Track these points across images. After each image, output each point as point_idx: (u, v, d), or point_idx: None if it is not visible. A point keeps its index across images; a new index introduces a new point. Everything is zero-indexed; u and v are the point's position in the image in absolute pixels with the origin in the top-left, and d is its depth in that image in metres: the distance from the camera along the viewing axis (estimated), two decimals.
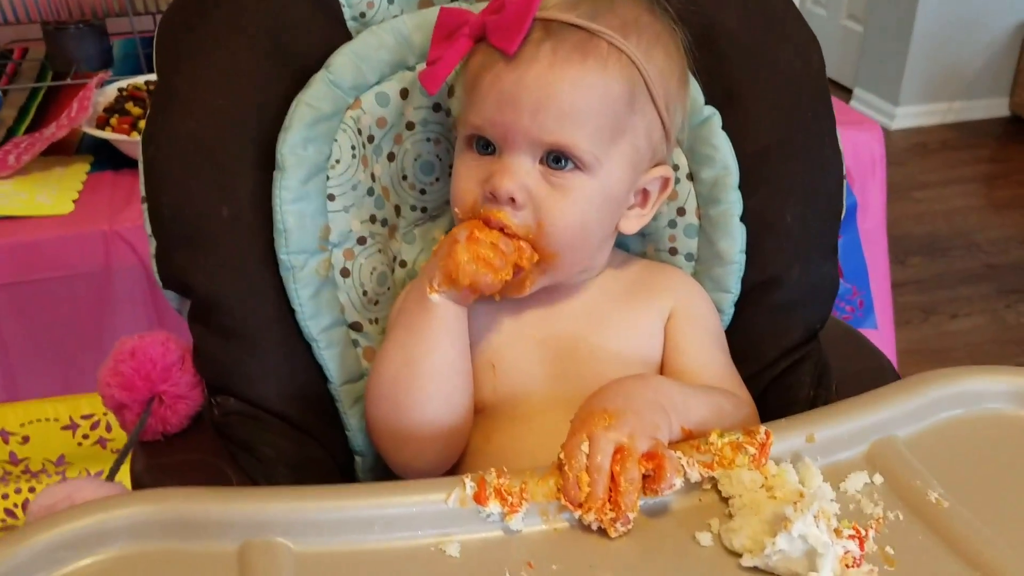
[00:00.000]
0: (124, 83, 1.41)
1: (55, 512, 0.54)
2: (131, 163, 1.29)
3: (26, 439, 1.20)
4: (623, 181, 0.65)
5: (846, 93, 3.80)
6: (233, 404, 0.68)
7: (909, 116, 3.55)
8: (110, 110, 1.33)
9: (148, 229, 0.68)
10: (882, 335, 1.47)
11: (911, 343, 2.31)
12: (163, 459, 0.66)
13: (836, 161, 0.76)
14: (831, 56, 4.53)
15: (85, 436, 1.22)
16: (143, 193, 0.68)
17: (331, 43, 0.71)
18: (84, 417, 1.21)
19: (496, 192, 0.62)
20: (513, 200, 0.62)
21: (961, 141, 3.43)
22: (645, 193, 0.69)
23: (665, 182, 0.69)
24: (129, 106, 1.33)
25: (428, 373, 0.64)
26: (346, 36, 0.72)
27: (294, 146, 0.68)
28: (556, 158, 0.63)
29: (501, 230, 0.63)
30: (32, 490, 1.23)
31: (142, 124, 1.26)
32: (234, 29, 0.69)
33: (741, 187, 0.74)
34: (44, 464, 1.23)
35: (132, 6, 1.48)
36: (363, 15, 0.72)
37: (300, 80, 0.71)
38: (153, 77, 1.41)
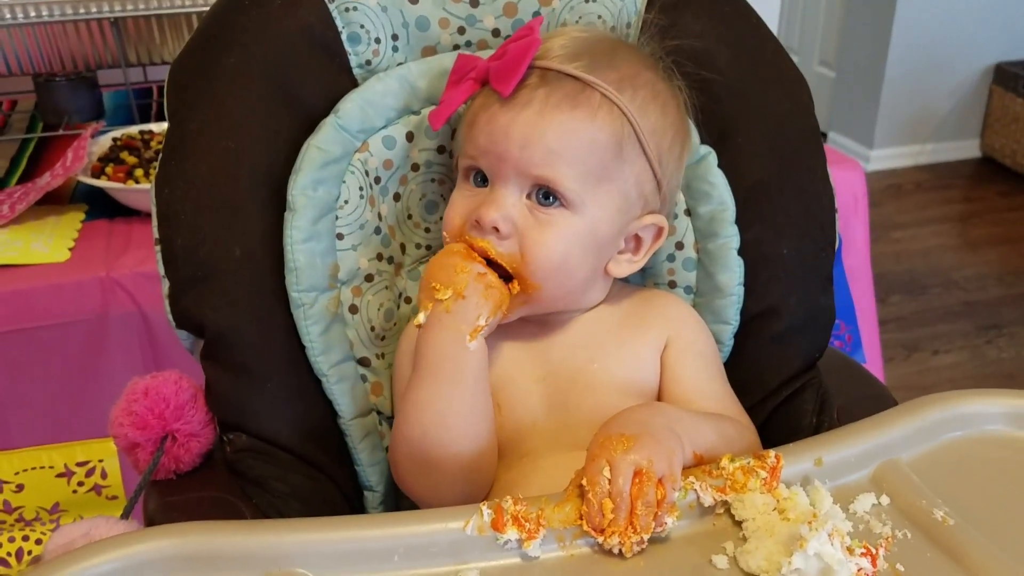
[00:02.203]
0: (118, 133, 1.43)
1: (73, 549, 0.54)
2: (126, 211, 1.31)
3: (20, 487, 1.19)
4: (609, 224, 0.68)
5: (820, 137, 3.89)
6: (245, 441, 0.69)
7: (883, 159, 3.63)
8: (105, 159, 1.35)
9: (161, 270, 0.69)
10: (871, 368, 1.49)
11: (895, 380, 2.34)
12: (176, 497, 0.66)
13: (827, 193, 0.79)
14: None
15: (80, 483, 1.21)
16: (156, 235, 0.69)
17: (338, 89, 0.74)
18: (79, 464, 1.20)
19: (481, 220, 0.65)
20: (497, 230, 0.65)
21: (935, 182, 3.51)
22: (638, 240, 0.71)
23: (659, 231, 0.72)
24: (124, 155, 1.35)
25: (462, 422, 0.64)
26: (352, 83, 0.75)
27: (304, 188, 0.70)
28: (545, 194, 0.65)
29: (485, 257, 0.65)
30: (26, 539, 1.22)
31: (138, 172, 1.30)
32: (245, 75, 0.71)
33: (737, 221, 0.76)
34: (38, 512, 1.21)
35: (124, 58, 1.50)
36: (369, 63, 0.75)
37: (309, 124, 0.73)
38: (147, 127, 1.44)
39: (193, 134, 0.70)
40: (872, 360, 1.49)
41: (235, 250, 0.68)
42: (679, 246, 0.78)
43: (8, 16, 1.39)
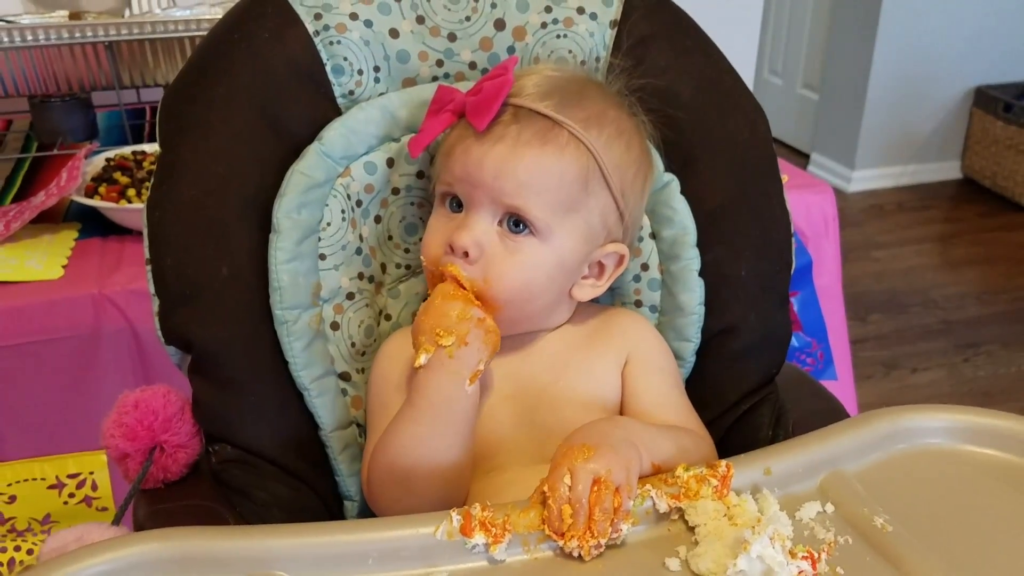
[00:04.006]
0: (111, 153, 1.47)
1: (67, 552, 0.57)
2: (119, 230, 1.34)
3: (13, 498, 1.22)
4: (574, 251, 0.72)
5: (803, 158, 3.94)
6: (230, 452, 0.72)
7: (865, 179, 3.68)
8: (98, 179, 1.38)
9: (152, 289, 0.73)
10: (842, 385, 1.53)
11: (874, 397, 2.38)
12: (164, 505, 0.69)
13: (784, 217, 0.83)
14: (788, 123, 4.69)
15: (71, 495, 1.24)
16: (147, 255, 0.73)
17: (322, 117, 0.78)
18: (70, 476, 1.23)
19: (453, 245, 0.69)
20: (467, 254, 0.68)
21: (916, 202, 3.57)
22: (600, 266, 0.76)
23: (620, 258, 0.76)
24: (117, 175, 1.38)
25: (452, 456, 0.68)
26: (336, 111, 0.79)
27: (289, 211, 0.74)
28: (515, 222, 0.69)
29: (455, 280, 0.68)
30: (18, 548, 1.24)
31: (130, 192, 1.33)
32: (233, 104, 0.75)
33: (699, 244, 0.81)
34: (30, 523, 1.24)
35: (119, 80, 1.54)
36: (352, 92, 0.79)
37: (294, 150, 0.77)
38: (140, 147, 1.48)
39: (184, 159, 0.74)
40: (843, 376, 1.53)
41: (222, 270, 0.72)
42: (644, 267, 0.82)
43: (6, 40, 1.43)
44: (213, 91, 0.75)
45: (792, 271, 0.84)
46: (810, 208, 1.46)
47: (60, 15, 1.68)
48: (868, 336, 2.67)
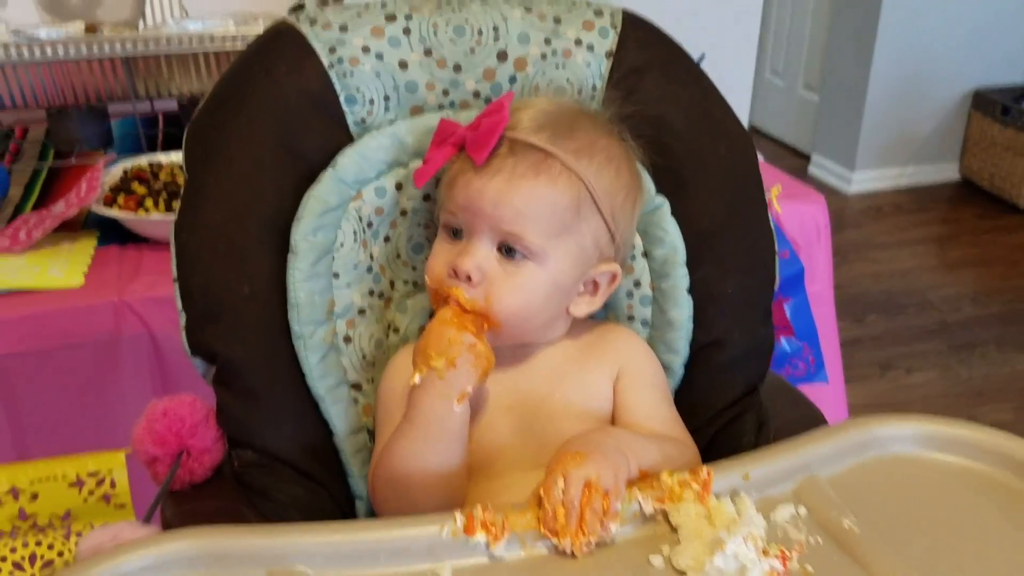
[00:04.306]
0: (129, 164, 1.52)
1: (104, 550, 0.63)
2: (136, 238, 1.40)
3: (35, 496, 1.28)
4: (569, 273, 0.77)
5: (804, 159, 3.99)
6: (251, 456, 0.78)
7: (865, 181, 3.73)
8: (116, 189, 1.44)
9: (179, 305, 0.79)
10: (833, 388, 1.59)
11: (869, 398, 2.43)
12: (190, 506, 0.75)
13: (768, 237, 0.89)
14: (789, 124, 4.73)
15: (91, 492, 1.29)
16: (175, 274, 0.79)
17: (336, 144, 0.83)
18: (90, 474, 1.29)
19: (457, 269, 0.74)
20: (469, 278, 0.74)
21: (914, 204, 3.62)
22: (595, 284, 0.81)
23: (612, 276, 0.81)
24: (134, 185, 1.44)
25: (442, 469, 0.73)
26: (349, 138, 0.84)
27: (306, 233, 0.80)
28: (513, 247, 0.75)
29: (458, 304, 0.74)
30: (39, 544, 1.30)
31: (148, 202, 1.39)
32: (254, 133, 0.80)
33: (688, 263, 0.86)
34: (51, 519, 1.30)
35: (135, 92, 1.60)
36: (364, 120, 0.84)
37: (310, 175, 0.82)
38: (156, 158, 1.53)
39: (208, 186, 0.80)
40: (834, 379, 1.59)
41: (244, 289, 0.78)
42: (637, 284, 0.88)
43: (26, 55, 1.49)
44: (235, 121, 0.81)
45: (776, 286, 0.89)
46: (803, 218, 1.51)
47: (76, 25, 1.73)
48: (864, 337, 2.72)
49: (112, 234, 1.41)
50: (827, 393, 1.56)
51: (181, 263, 0.79)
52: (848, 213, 3.59)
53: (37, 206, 1.53)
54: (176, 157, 1.56)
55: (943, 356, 2.61)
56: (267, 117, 0.81)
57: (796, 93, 4.19)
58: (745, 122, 2.65)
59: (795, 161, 4.05)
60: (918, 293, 2.96)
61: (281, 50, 0.82)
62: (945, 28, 3.51)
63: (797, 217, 1.50)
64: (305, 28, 0.82)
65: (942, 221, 3.53)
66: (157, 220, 1.35)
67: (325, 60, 0.82)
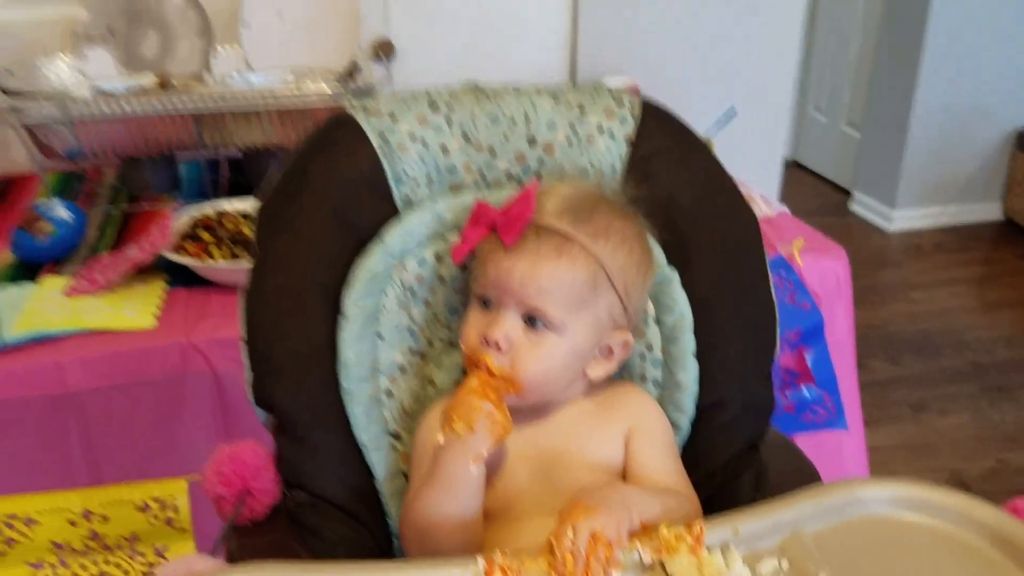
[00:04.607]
0: (196, 212, 1.65)
1: None
2: (203, 282, 1.51)
3: (106, 518, 1.39)
4: (586, 341, 0.87)
5: (845, 195, 4.02)
6: (303, 497, 0.89)
7: (906, 219, 3.73)
8: (185, 236, 1.57)
9: (245, 362, 0.91)
10: (852, 435, 1.65)
11: (900, 439, 2.47)
12: (252, 540, 0.86)
13: (768, 305, 0.98)
14: (831, 160, 4.76)
15: (155, 516, 1.41)
16: (243, 335, 0.91)
17: (384, 217, 0.94)
18: (155, 500, 1.40)
19: (487, 338, 0.85)
20: (499, 346, 0.84)
21: (955, 243, 3.63)
22: (610, 350, 0.91)
23: (625, 343, 0.91)
24: (201, 233, 1.56)
25: (459, 520, 0.83)
26: (395, 212, 0.95)
27: (355, 300, 0.91)
28: (536, 319, 0.85)
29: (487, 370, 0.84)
30: (107, 562, 1.43)
31: (213, 250, 1.51)
32: (313, 210, 0.92)
33: (695, 330, 0.96)
34: (119, 540, 1.42)
35: (203, 143, 1.73)
36: (408, 197, 0.95)
37: (360, 245, 0.93)
38: (220, 206, 1.66)
39: (273, 257, 0.91)
40: (853, 426, 1.65)
41: (303, 349, 0.90)
42: (649, 348, 0.97)
43: (106, 110, 1.63)
44: (298, 199, 0.92)
45: (776, 351, 0.98)
46: (824, 272, 1.59)
47: (149, 77, 1.88)
48: (899, 377, 2.75)
49: (180, 276, 1.52)
50: (847, 440, 1.63)
51: (249, 325, 0.91)
52: (889, 251, 3.61)
53: (111, 248, 1.66)
54: (239, 205, 1.69)
55: (975, 399, 2.63)
56: (326, 195, 0.92)
57: (838, 129, 4.22)
58: (782, 157, 2.69)
59: (836, 197, 4.08)
60: (955, 334, 2.98)
61: (340, 137, 0.94)
62: (989, 67, 3.52)
63: (819, 270, 1.58)
64: (360, 117, 0.94)
65: (983, 261, 3.53)
66: (222, 267, 1.48)
67: (377, 145, 0.93)
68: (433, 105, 0.96)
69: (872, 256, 3.56)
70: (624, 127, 0.97)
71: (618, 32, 2.34)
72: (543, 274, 0.84)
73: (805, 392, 1.60)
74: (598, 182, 0.96)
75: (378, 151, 0.93)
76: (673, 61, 2.39)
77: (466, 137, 0.96)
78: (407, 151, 0.94)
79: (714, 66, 2.43)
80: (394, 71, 2.19)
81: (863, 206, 3.92)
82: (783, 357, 1.58)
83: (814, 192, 4.19)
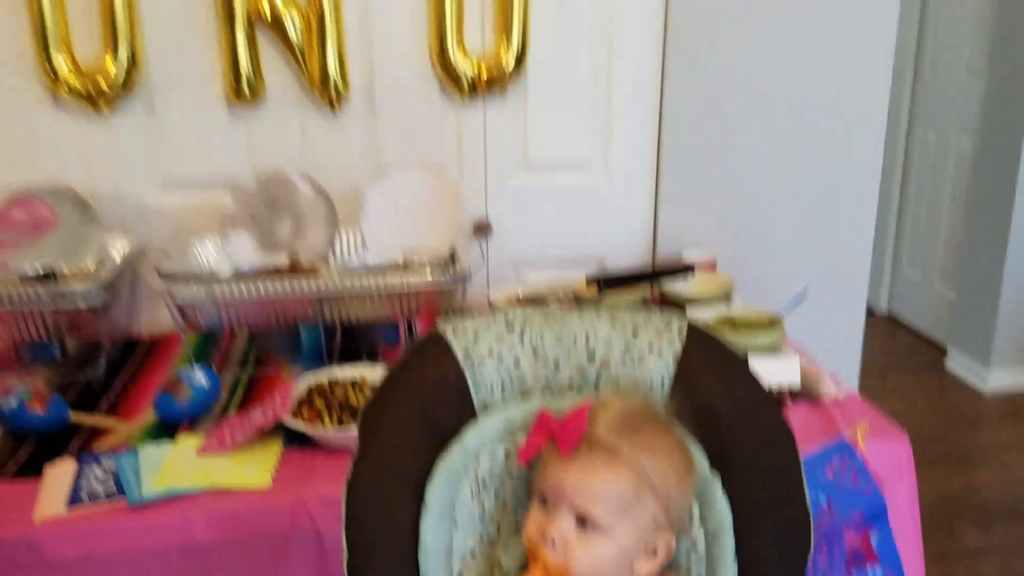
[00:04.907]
0: (312, 380, 1.88)
1: None
2: (315, 444, 1.71)
3: None
4: (631, 541, 1.01)
5: (940, 352, 4.01)
6: None
7: (1001, 377, 3.70)
8: (301, 402, 1.79)
9: (344, 545, 1.08)
10: None
11: None
12: None
13: (801, 508, 1.10)
14: (926, 317, 4.76)
15: None
16: (344, 522, 1.09)
17: (464, 419, 1.12)
18: None
19: (544, 535, 1.00)
20: (554, 542, 0.99)
21: None
22: (655, 549, 1.04)
23: (668, 543, 1.04)
24: (316, 400, 1.78)
25: None
26: (473, 415, 1.13)
27: (436, 492, 1.08)
28: (585, 520, 1.00)
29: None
30: None
31: (324, 417, 1.72)
32: (405, 413, 1.11)
33: (736, 531, 1.08)
34: None
35: (323, 319, 1.98)
36: (485, 401, 1.14)
37: (442, 443, 1.11)
38: (333, 374, 1.87)
39: (370, 452, 1.10)
40: None
41: (392, 535, 1.07)
42: (694, 545, 1.10)
43: (244, 292, 1.90)
44: (392, 403, 1.12)
45: (811, 551, 1.09)
46: (884, 455, 1.67)
47: (282, 257, 2.16)
48: (989, 548, 2.71)
49: (296, 439, 1.72)
50: None
51: (349, 512, 1.09)
52: (983, 412, 3.57)
53: (239, 408, 1.89)
54: (349, 372, 1.91)
55: None
56: (416, 401, 1.11)
57: (933, 287, 4.24)
58: (864, 310, 2.70)
59: (932, 354, 4.08)
60: None
61: (430, 352, 1.13)
62: None
63: (879, 454, 1.66)
64: (449, 335, 1.14)
65: None
66: (332, 434, 1.68)
67: (461, 359, 1.12)
68: (509, 326, 1.15)
69: (966, 417, 3.53)
70: (671, 347, 1.13)
71: (697, 208, 2.51)
72: (594, 483, 0.99)
73: (870, 572, 1.66)
74: (646, 395, 1.12)
75: (462, 364, 1.12)
76: (750, 235, 2.54)
77: (535, 352, 1.14)
78: (485, 364, 1.13)
79: (790, 238, 2.56)
80: (491, 246, 2.44)
81: (958, 364, 3.90)
82: (849, 538, 1.65)
83: (910, 349, 4.19)
